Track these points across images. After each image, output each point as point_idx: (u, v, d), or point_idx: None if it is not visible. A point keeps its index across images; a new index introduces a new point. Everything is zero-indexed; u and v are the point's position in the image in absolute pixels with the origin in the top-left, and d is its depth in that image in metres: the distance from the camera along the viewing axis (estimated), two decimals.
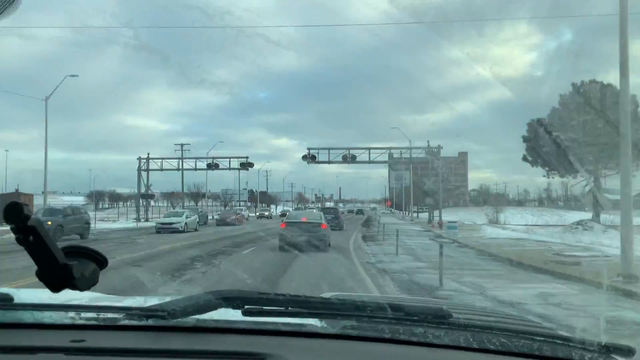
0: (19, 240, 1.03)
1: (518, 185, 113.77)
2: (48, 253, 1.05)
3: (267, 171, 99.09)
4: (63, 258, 1.08)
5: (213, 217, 49.17)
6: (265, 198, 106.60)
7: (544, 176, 31.76)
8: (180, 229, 31.25)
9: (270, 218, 65.20)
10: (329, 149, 47.52)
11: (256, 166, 60.42)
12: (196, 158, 53.74)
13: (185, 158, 52.97)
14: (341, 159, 47.08)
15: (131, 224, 44.80)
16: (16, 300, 1.43)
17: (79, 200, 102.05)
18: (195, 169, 53.75)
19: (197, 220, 35.34)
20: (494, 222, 45.78)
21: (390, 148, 47.80)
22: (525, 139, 28.83)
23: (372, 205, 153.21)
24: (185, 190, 66.65)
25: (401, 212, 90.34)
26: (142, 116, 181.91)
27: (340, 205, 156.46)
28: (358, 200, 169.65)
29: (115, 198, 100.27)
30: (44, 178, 35.32)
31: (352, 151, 47.14)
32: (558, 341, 1.31)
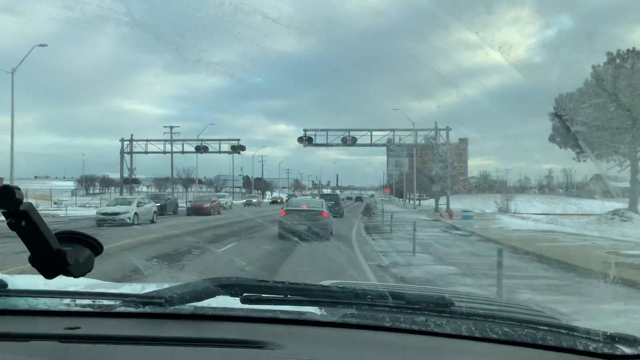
0: (11, 225, 1.01)
1: (520, 172, 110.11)
2: (41, 238, 1.03)
3: (262, 156, 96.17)
4: (57, 244, 1.05)
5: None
6: (260, 184, 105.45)
7: (574, 159, 28.02)
8: (129, 220, 24.65)
9: (259, 205, 60.39)
10: (327, 130, 43.90)
11: (251, 151, 57.62)
12: (184, 140, 49.84)
13: (173, 140, 49.25)
14: (340, 142, 43.44)
15: None
16: (10, 287, 1.43)
17: (69, 185, 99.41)
18: (183, 152, 49.98)
19: (154, 209, 28.62)
20: (505, 210, 42.82)
21: (392, 130, 43.99)
22: (553, 117, 24.94)
23: (370, 193, 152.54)
24: (176, 175, 63.60)
25: (401, 199, 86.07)
26: (137, 100, 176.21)
27: (338, 192, 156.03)
28: (356, 187, 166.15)
29: (106, 183, 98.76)
30: (10, 161, 31.82)
31: (352, 133, 43.54)
32: (562, 331, 1.30)
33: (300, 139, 43.42)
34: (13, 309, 1.36)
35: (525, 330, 1.28)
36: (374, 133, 43.83)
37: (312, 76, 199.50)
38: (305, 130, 43.62)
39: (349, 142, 43.19)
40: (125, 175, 48.89)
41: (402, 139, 44.51)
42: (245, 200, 65.40)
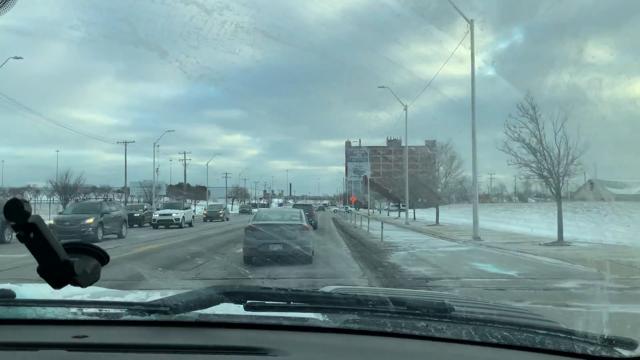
0: (20, 238, 1.03)
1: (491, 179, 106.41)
2: (49, 250, 1.05)
3: (186, 159, 78.49)
4: (64, 254, 1.08)
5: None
6: (200, 192, 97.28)
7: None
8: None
9: (225, 219, 45.07)
10: None
11: (202, 161, 55.29)
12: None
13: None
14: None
15: None
16: (18, 296, 1.45)
17: None
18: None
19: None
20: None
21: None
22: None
23: (324, 202, 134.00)
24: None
25: (367, 209, 69.64)
26: (87, 110, 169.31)
27: (290, 202, 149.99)
28: (309, 197, 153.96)
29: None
30: None
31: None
32: (560, 334, 1.32)
33: None
34: (21, 318, 1.38)
35: (524, 334, 1.30)
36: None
37: (268, 87, 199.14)
38: None
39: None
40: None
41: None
42: (206, 212, 48.79)
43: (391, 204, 69.48)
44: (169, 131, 57.68)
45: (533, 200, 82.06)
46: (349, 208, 78.21)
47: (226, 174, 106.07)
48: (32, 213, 1.01)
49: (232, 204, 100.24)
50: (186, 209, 36.08)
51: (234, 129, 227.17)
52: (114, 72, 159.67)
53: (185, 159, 77.64)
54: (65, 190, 46.74)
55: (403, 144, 41.73)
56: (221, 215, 45.17)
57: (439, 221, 34.76)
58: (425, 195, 43.22)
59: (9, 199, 1.02)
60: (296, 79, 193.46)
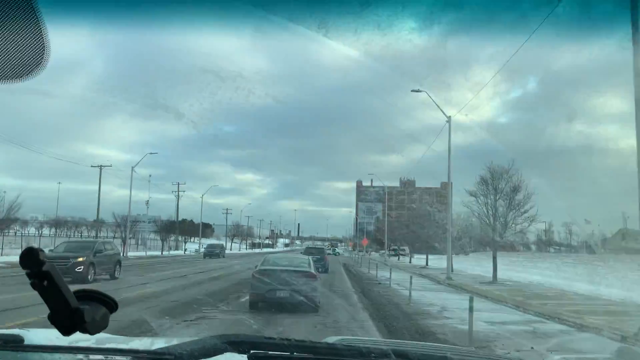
0: (34, 285, 1.05)
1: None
2: (61, 297, 1.07)
3: (179, 191, 72.84)
4: (75, 302, 1.09)
5: None
6: (206, 230, 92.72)
7: None
8: (220, 255, 36.55)
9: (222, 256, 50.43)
10: None
11: (216, 200, 54.04)
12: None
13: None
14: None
15: None
16: (26, 342, 1.46)
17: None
18: None
19: (225, 249, 34.39)
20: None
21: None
22: None
23: (333, 243, 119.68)
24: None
25: (379, 252, 65.28)
26: (101, 146, 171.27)
27: (297, 242, 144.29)
28: (317, 237, 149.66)
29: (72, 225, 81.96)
30: None
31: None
32: None
33: None
34: None
35: None
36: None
37: (281, 128, 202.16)
38: None
39: None
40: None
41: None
42: (205, 250, 54.01)
43: (390, 249, 63.62)
44: (151, 153, 55.07)
45: (552, 250, 79.23)
46: (359, 251, 71.91)
47: (227, 209, 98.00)
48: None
49: (233, 242, 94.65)
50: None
51: (245, 168, 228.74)
52: (130, 111, 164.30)
53: (178, 191, 72.09)
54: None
55: (418, 184, 40.57)
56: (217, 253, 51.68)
57: (476, 273, 30.20)
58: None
59: (25, 248, 1.06)
60: (309, 121, 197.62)
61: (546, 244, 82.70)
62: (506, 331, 11.38)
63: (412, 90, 26.89)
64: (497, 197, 25.41)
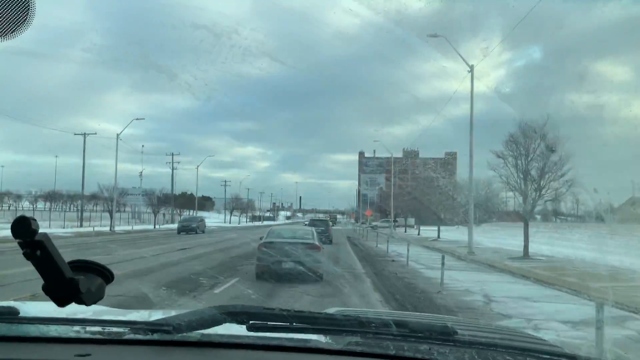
0: (27, 255, 1.03)
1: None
2: (55, 267, 1.05)
3: (173, 162, 68.76)
4: (70, 272, 1.08)
5: None
6: (206, 203, 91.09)
7: None
8: (197, 230, 34.39)
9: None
10: None
11: (218, 173, 52.79)
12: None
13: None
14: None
15: None
16: (22, 314, 1.45)
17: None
18: None
19: (205, 224, 29.63)
20: None
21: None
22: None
23: (332, 216, 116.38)
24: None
25: (389, 226, 56.27)
26: (102, 119, 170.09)
27: (299, 215, 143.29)
28: (319, 210, 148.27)
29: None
30: None
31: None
32: (563, 359, 1.33)
33: None
34: (25, 336, 1.38)
35: (528, 358, 1.29)
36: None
37: (282, 99, 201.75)
38: None
39: None
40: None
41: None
42: (179, 224, 45.36)
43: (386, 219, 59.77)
44: (137, 119, 51.19)
45: (558, 221, 78.60)
46: (374, 224, 65.86)
47: (225, 182, 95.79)
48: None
49: (232, 215, 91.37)
50: None
51: (246, 141, 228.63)
52: (129, 82, 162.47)
53: (172, 163, 68.16)
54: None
55: (421, 155, 39.65)
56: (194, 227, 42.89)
57: (496, 246, 27.19)
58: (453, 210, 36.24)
59: (17, 217, 1.02)
60: (311, 92, 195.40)
61: (553, 214, 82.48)
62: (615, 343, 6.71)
63: (428, 35, 23.84)
64: (530, 158, 22.14)
